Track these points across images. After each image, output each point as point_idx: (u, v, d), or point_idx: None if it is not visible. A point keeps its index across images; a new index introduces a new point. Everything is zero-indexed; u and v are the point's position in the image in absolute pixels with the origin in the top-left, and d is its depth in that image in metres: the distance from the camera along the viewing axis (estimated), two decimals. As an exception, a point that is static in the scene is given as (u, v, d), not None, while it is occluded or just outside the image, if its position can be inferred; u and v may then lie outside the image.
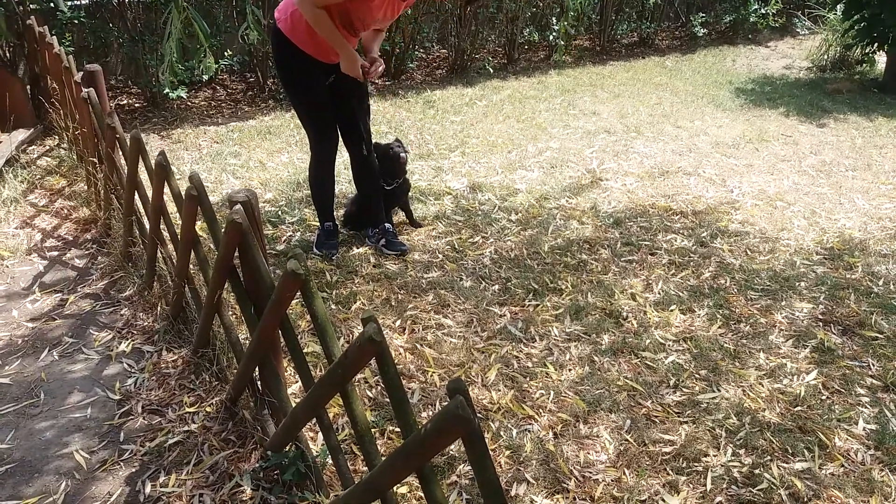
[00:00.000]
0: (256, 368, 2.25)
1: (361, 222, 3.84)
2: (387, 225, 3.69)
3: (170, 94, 5.89)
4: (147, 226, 3.01)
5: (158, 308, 3.02)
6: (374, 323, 1.55)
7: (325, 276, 3.40)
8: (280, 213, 4.09)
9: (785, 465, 2.33)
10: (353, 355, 1.61)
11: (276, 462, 2.12)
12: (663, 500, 2.17)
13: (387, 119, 6.12)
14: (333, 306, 3.13)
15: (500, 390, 2.65)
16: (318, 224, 3.70)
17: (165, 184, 2.69)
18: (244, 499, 2.11)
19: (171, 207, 2.80)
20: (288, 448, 2.14)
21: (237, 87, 7.05)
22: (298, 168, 4.83)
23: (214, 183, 4.56)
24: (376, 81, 3.56)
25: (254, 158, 5.06)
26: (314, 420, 2.17)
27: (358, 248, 3.70)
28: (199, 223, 2.54)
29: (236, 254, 2.15)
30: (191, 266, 2.72)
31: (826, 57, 8.73)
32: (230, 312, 2.77)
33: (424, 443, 1.44)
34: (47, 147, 5.14)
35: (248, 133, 5.65)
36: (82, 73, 3.67)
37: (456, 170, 4.92)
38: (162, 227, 2.91)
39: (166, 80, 5.58)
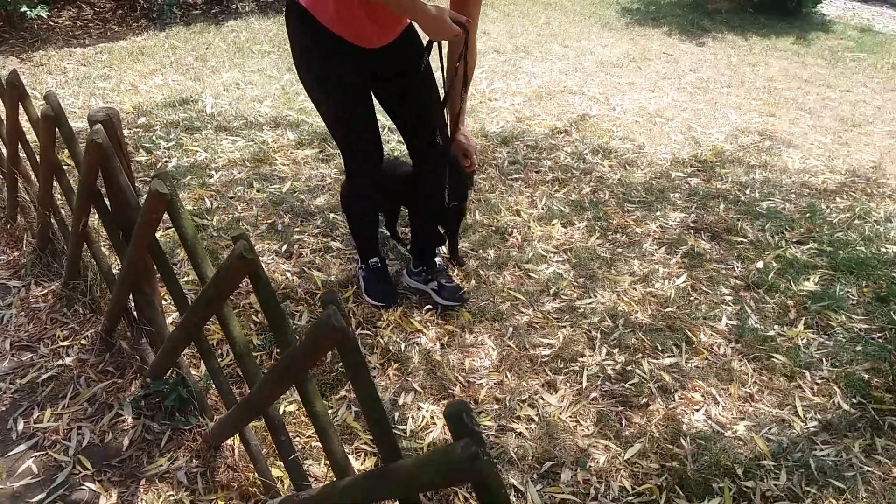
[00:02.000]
0: (130, 296, 2.17)
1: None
2: (437, 260, 2.75)
3: (28, 12, 5.38)
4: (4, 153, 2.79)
5: (24, 241, 2.84)
6: (243, 240, 1.51)
7: (204, 202, 3.28)
8: (155, 138, 3.88)
9: (654, 360, 2.49)
10: (224, 274, 1.57)
11: (156, 389, 2.09)
12: (542, 399, 2.29)
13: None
14: (215, 233, 3.04)
15: (388, 307, 2.68)
16: (360, 264, 2.78)
17: (20, 106, 2.49)
18: (125, 428, 2.07)
19: (34, 137, 2.61)
20: (168, 374, 2.11)
21: (105, 5, 6.52)
22: (174, 90, 4.58)
23: (82, 108, 4.26)
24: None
25: (125, 81, 4.74)
26: (197, 347, 2.14)
27: (239, 172, 3.58)
28: (65, 152, 2.37)
29: (101, 179, 2.03)
30: (57, 196, 2.57)
31: (707, -23, 8.94)
32: (102, 242, 2.65)
33: (300, 355, 1.44)
34: None
35: (118, 55, 5.28)
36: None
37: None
38: (22, 154, 2.71)
39: None
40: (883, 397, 2.38)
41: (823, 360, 2.54)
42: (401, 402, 2.26)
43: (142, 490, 1.91)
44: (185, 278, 2.73)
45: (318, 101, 2.38)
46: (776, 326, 2.70)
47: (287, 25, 2.27)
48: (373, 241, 2.73)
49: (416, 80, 2.37)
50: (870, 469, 2.11)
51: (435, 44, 2.24)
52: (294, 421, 2.16)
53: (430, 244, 2.75)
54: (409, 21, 2.34)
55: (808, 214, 3.52)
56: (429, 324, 2.62)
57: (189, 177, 3.48)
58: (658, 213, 3.45)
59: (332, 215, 3.24)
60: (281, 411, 2.18)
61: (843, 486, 2.04)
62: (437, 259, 2.75)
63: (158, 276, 2.09)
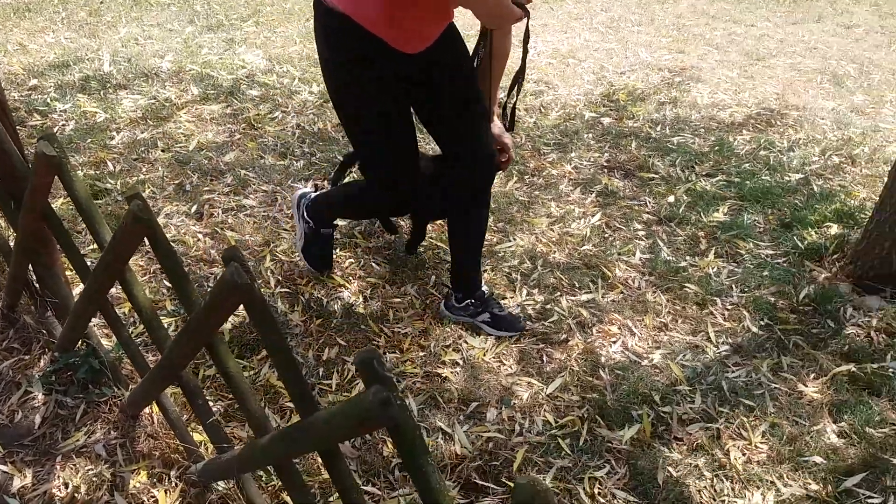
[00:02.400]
0: (31, 268, 2.06)
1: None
2: (485, 289, 2.43)
3: None
4: None
5: None
6: (138, 200, 1.44)
7: (106, 165, 3.12)
8: (49, 100, 3.65)
9: (572, 298, 2.55)
10: (120, 237, 1.50)
11: (66, 362, 2.00)
12: (466, 342, 2.32)
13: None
14: (119, 197, 2.90)
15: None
16: (310, 223, 2.51)
17: None
18: (36, 405, 1.99)
19: None
20: (78, 346, 2.02)
21: (-18, -41, 6.03)
22: (67, 49, 4.30)
23: (-36, 72, 3.96)
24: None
25: (12, 41, 4.42)
26: (104, 316, 2.06)
27: (142, 132, 3.41)
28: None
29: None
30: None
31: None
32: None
33: (204, 316, 1.40)
34: None
35: (1, 12, 4.91)
36: None
37: (250, 41, 4.62)
38: None
39: None
40: (788, 318, 2.51)
41: (733, 286, 2.65)
42: (325, 357, 2.24)
43: (58, 467, 1.84)
44: (92, 246, 2.61)
45: (342, 106, 2.14)
46: (688, 257, 2.80)
47: (315, 28, 2.08)
48: (336, 219, 2.59)
49: (457, 79, 2.14)
50: (777, 386, 2.23)
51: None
52: (214, 385, 2.11)
53: (474, 269, 2.40)
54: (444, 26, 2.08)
55: (716, 148, 3.63)
56: (350, 277, 2.59)
57: (89, 139, 3.30)
58: (573, 154, 3.49)
59: (242, 172, 3.13)
60: (201, 376, 2.13)
61: (752, 404, 2.16)
62: (485, 288, 2.42)
63: (59, 246, 1.99)
